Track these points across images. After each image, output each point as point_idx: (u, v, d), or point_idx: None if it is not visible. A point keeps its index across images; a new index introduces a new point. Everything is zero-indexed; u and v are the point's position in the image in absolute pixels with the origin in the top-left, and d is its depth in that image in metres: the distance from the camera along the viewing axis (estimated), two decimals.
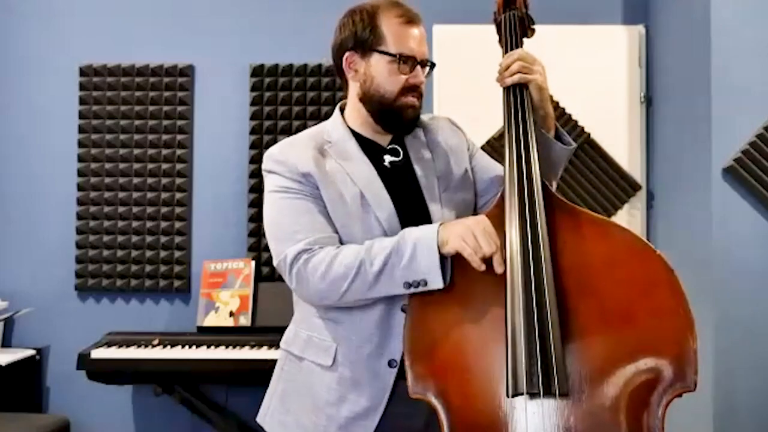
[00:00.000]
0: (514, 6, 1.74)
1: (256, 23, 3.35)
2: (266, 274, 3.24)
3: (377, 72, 1.61)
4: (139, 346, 2.93)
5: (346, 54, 1.64)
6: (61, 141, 3.34)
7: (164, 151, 3.33)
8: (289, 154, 1.61)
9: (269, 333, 2.89)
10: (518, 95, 1.61)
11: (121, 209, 3.32)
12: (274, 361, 1.75)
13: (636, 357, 1.35)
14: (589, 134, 3.23)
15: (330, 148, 1.64)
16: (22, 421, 3.00)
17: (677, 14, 2.98)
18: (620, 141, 3.26)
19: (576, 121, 3.22)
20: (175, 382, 3.01)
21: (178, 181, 3.32)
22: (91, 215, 3.32)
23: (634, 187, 3.25)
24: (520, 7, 1.74)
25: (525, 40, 1.73)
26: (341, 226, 1.58)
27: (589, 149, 3.24)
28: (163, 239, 3.31)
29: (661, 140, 3.16)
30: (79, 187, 3.33)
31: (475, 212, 1.73)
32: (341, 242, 1.57)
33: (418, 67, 1.61)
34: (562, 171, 1.74)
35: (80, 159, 3.33)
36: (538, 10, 1.84)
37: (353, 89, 1.67)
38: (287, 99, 3.32)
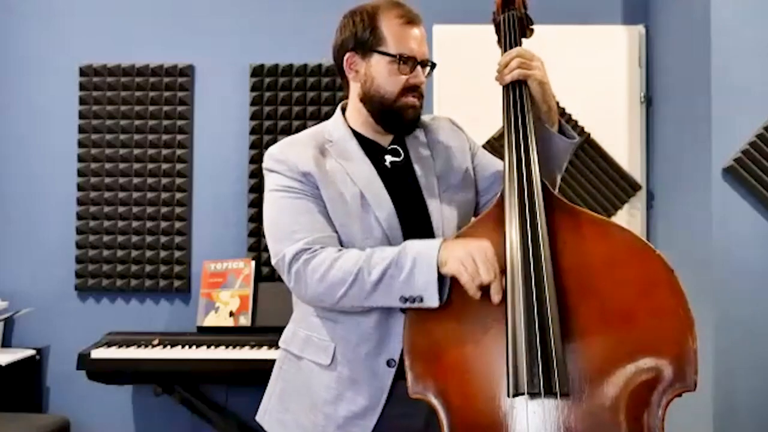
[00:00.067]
0: (513, 6, 1.74)
1: (256, 23, 3.35)
2: (266, 274, 3.24)
3: (377, 72, 1.61)
4: (139, 346, 2.93)
5: (347, 55, 1.64)
6: (61, 141, 3.34)
7: (164, 151, 3.33)
8: (289, 153, 1.62)
9: (269, 333, 2.89)
10: (518, 93, 1.61)
11: (121, 209, 3.32)
12: (274, 361, 1.75)
13: (636, 357, 1.35)
14: (589, 134, 3.23)
15: (331, 148, 1.64)
16: (22, 421, 3.00)
17: (677, 14, 2.98)
18: (620, 141, 3.26)
19: (576, 121, 3.22)
20: (175, 382, 3.02)
21: (178, 181, 3.32)
22: (91, 215, 3.32)
23: (634, 187, 3.25)
24: (519, 7, 1.74)
25: (524, 40, 1.73)
26: (341, 226, 1.58)
27: (589, 149, 3.24)
28: (163, 239, 3.31)
29: (661, 140, 3.16)
30: (79, 187, 3.33)
31: (476, 211, 1.73)
32: (340, 242, 1.57)
33: (419, 67, 1.62)
34: (566, 166, 1.74)
35: (80, 159, 3.33)
36: (538, 10, 1.84)
37: (354, 90, 1.67)
38: (287, 99, 3.32)
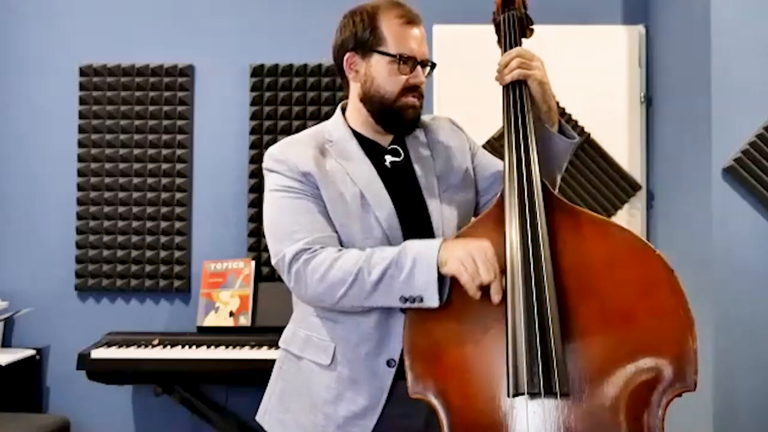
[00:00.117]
0: (513, 6, 1.74)
1: (256, 23, 3.35)
2: (266, 274, 3.24)
3: (377, 72, 1.61)
4: (139, 346, 2.93)
5: (347, 55, 1.64)
6: (61, 141, 3.34)
7: (164, 151, 3.33)
8: (289, 153, 1.62)
9: (269, 333, 2.89)
10: (517, 93, 1.61)
11: (121, 209, 3.32)
12: (274, 361, 1.75)
13: (636, 357, 1.35)
14: (589, 134, 3.23)
15: (331, 148, 1.64)
16: (22, 421, 3.00)
17: (677, 14, 2.98)
18: (620, 141, 3.26)
19: (576, 121, 3.22)
20: (175, 382, 3.02)
21: (178, 181, 3.32)
22: (91, 215, 3.32)
23: (634, 187, 3.25)
24: (519, 7, 1.74)
25: (524, 40, 1.73)
26: (340, 226, 1.58)
27: (589, 149, 3.24)
28: (163, 239, 3.31)
29: (661, 140, 3.16)
30: (79, 187, 3.33)
31: (476, 211, 1.73)
32: (340, 242, 1.57)
33: (419, 67, 1.62)
34: (566, 166, 1.74)
35: (80, 159, 3.33)
36: (538, 10, 1.84)
37: (354, 90, 1.67)
38: (287, 99, 3.32)
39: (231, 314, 3.09)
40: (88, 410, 3.27)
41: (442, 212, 1.63)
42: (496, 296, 1.40)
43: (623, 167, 3.25)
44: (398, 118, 1.63)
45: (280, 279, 1.60)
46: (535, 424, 1.32)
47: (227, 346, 2.91)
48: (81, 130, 3.34)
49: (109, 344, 2.95)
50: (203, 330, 3.10)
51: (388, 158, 1.67)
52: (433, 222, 1.62)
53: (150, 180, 3.32)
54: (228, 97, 3.34)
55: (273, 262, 1.59)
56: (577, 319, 1.38)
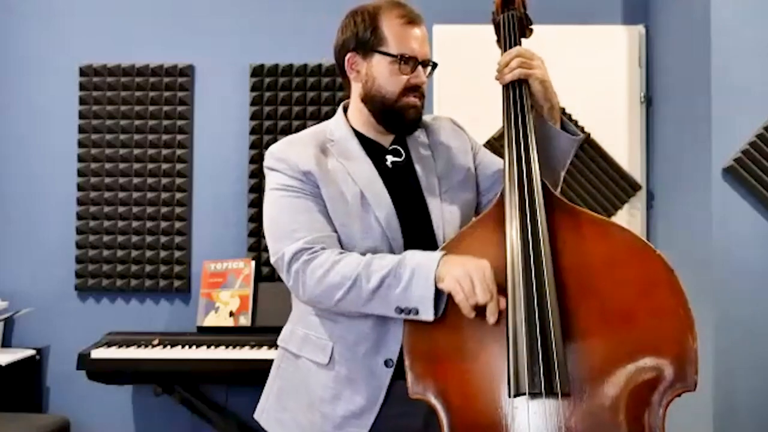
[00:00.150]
0: (513, 6, 1.74)
1: (256, 23, 3.35)
2: (266, 274, 3.24)
3: (378, 72, 1.61)
4: (139, 346, 2.93)
5: (348, 55, 1.65)
6: (61, 141, 3.34)
7: (164, 151, 3.33)
8: (290, 152, 1.62)
9: (269, 333, 2.89)
10: (518, 92, 1.61)
11: (121, 209, 3.32)
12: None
13: (636, 357, 1.35)
14: (589, 134, 3.23)
15: (332, 147, 1.64)
16: (22, 421, 2.99)
17: (677, 14, 2.98)
18: (620, 141, 3.26)
19: (576, 121, 3.22)
20: (175, 382, 3.01)
21: (178, 181, 3.32)
22: (91, 215, 3.32)
23: (634, 187, 3.25)
24: (518, 7, 1.75)
25: (523, 40, 1.73)
26: (340, 225, 1.58)
27: (589, 149, 3.24)
28: (163, 239, 3.31)
29: (661, 140, 3.16)
30: (79, 187, 3.33)
31: (477, 211, 1.73)
32: (340, 241, 1.57)
33: (420, 67, 1.62)
34: (569, 164, 1.74)
35: (80, 159, 3.33)
36: (538, 10, 1.84)
37: (355, 90, 1.67)
38: (287, 99, 3.32)
39: (231, 314, 3.09)
40: (88, 410, 3.27)
41: (442, 212, 1.63)
42: (491, 317, 1.39)
43: (623, 167, 3.25)
44: (399, 118, 1.63)
45: (280, 279, 1.60)
46: (536, 424, 1.32)
47: (227, 346, 2.91)
48: (81, 130, 3.34)
49: (109, 344, 2.95)
50: (203, 330, 3.10)
51: (389, 158, 1.67)
52: (433, 222, 1.62)
53: (150, 180, 3.32)
54: (228, 97, 3.34)
55: (272, 260, 1.59)
56: (577, 319, 1.38)
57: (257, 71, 3.32)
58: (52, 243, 3.33)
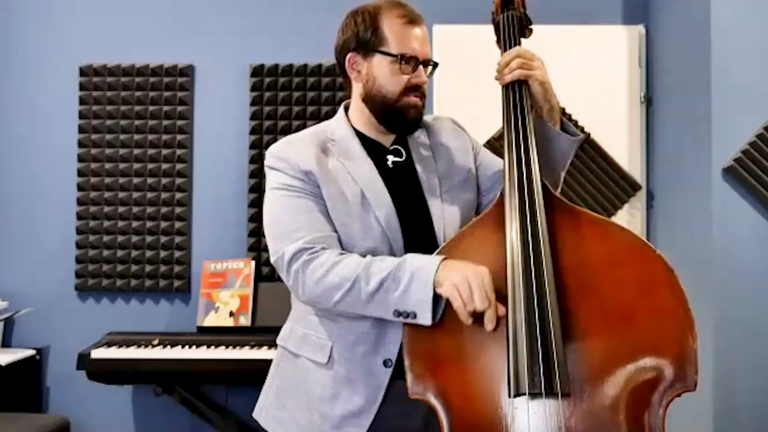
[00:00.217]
0: (512, 6, 1.74)
1: (256, 23, 3.35)
2: (266, 274, 3.24)
3: (379, 72, 1.61)
4: (139, 346, 2.93)
5: (349, 55, 1.65)
6: (61, 141, 3.34)
7: (164, 151, 3.33)
8: (291, 151, 1.62)
9: (269, 333, 2.88)
10: (517, 93, 1.61)
11: (121, 209, 3.32)
12: None
13: (636, 357, 1.35)
14: (589, 134, 3.23)
15: (333, 147, 1.64)
16: (22, 421, 2.99)
17: (677, 14, 2.98)
18: (620, 141, 3.26)
19: (576, 121, 3.22)
20: (175, 382, 3.01)
21: (178, 181, 3.32)
22: (91, 215, 3.32)
23: (634, 187, 3.25)
24: (518, 7, 1.75)
25: (523, 40, 1.73)
26: (340, 225, 1.58)
27: (589, 149, 3.24)
28: (163, 239, 3.31)
29: (661, 140, 3.16)
30: (79, 187, 3.33)
31: (478, 211, 1.73)
32: (340, 241, 1.57)
33: (421, 66, 1.62)
34: (569, 164, 1.74)
35: (80, 159, 3.33)
36: (537, 10, 1.84)
37: (356, 90, 1.67)
38: (287, 99, 3.32)
39: (231, 314, 3.09)
40: (88, 410, 3.27)
41: (443, 213, 1.63)
42: (489, 324, 1.39)
43: (623, 167, 3.25)
44: (400, 117, 1.63)
45: (280, 279, 1.60)
46: (536, 424, 1.32)
47: (227, 346, 2.91)
48: (81, 130, 3.34)
49: (109, 344, 2.95)
50: (203, 330, 3.10)
51: (390, 158, 1.67)
52: (434, 222, 1.62)
53: (150, 180, 3.32)
54: (228, 97, 3.34)
55: (272, 260, 1.59)
56: (577, 319, 1.38)
57: (257, 71, 3.32)
58: (52, 243, 3.33)
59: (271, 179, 1.64)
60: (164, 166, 3.32)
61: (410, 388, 1.43)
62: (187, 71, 3.34)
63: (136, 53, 3.34)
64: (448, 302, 1.42)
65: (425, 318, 1.42)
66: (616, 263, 1.42)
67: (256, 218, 3.25)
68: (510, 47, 1.68)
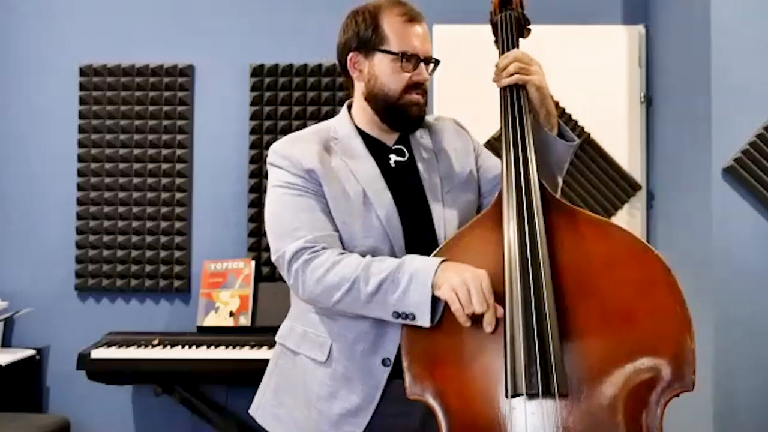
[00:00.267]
0: (511, 6, 1.74)
1: (256, 23, 3.35)
2: (266, 274, 3.24)
3: (381, 71, 1.62)
4: (139, 346, 2.93)
5: (350, 54, 1.65)
6: (61, 141, 3.34)
7: (164, 151, 3.33)
8: (293, 149, 1.62)
9: (269, 333, 2.85)
10: (515, 95, 1.61)
11: (121, 209, 3.32)
12: None
13: (634, 357, 1.34)
14: (589, 134, 3.23)
15: (335, 145, 1.65)
16: (22, 421, 2.99)
17: (677, 14, 2.98)
18: (620, 141, 3.26)
19: (576, 121, 3.22)
20: (175, 382, 3.01)
21: (178, 181, 3.32)
22: (91, 215, 3.32)
23: (634, 187, 3.25)
24: (516, 7, 1.75)
25: (522, 40, 1.73)
26: (342, 224, 1.58)
27: (589, 149, 3.24)
28: (163, 239, 3.31)
29: (661, 140, 3.16)
30: (79, 187, 3.33)
31: (478, 212, 1.73)
32: (341, 240, 1.57)
33: (422, 64, 1.62)
34: (567, 169, 1.74)
35: (80, 159, 3.33)
36: (538, 10, 1.84)
37: (358, 89, 1.68)
38: (287, 99, 3.32)
39: (231, 314, 3.09)
40: (88, 410, 3.27)
41: (444, 213, 1.63)
42: (488, 327, 1.39)
43: (623, 167, 3.25)
44: (403, 115, 1.63)
45: (280, 279, 1.61)
46: (534, 424, 1.32)
47: (227, 346, 2.91)
48: (81, 130, 3.34)
49: (109, 344, 2.95)
50: (203, 330, 3.10)
51: (393, 157, 1.67)
52: (434, 222, 1.62)
53: (150, 180, 3.32)
54: (228, 97, 3.34)
55: (273, 258, 1.59)
56: (575, 319, 1.38)
57: (257, 71, 3.32)
58: (52, 243, 3.33)
59: (273, 177, 1.64)
60: (164, 166, 3.32)
61: (408, 388, 1.43)
62: (187, 71, 3.34)
63: (136, 53, 3.34)
64: (446, 304, 1.42)
65: (424, 320, 1.42)
66: (614, 263, 1.42)
67: (256, 218, 3.25)
68: (508, 48, 1.68)
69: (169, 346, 2.93)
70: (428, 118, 1.74)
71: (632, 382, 1.33)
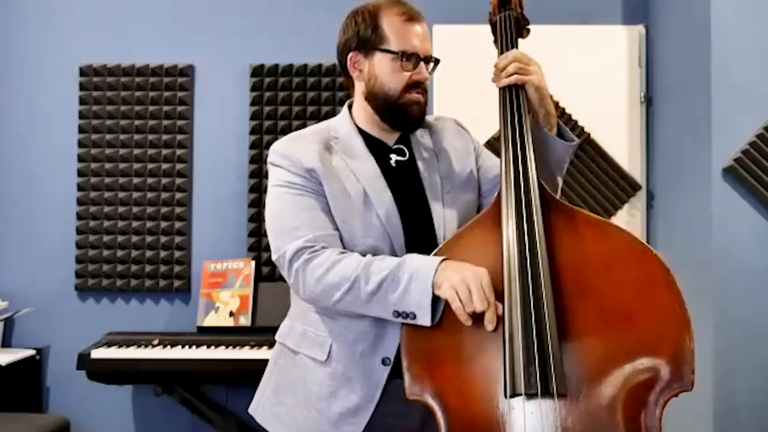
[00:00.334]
0: (510, 6, 1.74)
1: (256, 23, 3.35)
2: (266, 274, 3.24)
3: (380, 70, 1.62)
4: (139, 346, 2.93)
5: (350, 54, 1.65)
6: (61, 141, 3.34)
7: (164, 151, 3.33)
8: (294, 148, 1.62)
9: (269, 333, 2.85)
10: (514, 95, 1.61)
11: (121, 209, 3.32)
12: None
13: (633, 357, 1.34)
14: (589, 134, 3.23)
15: (336, 144, 1.65)
16: (22, 421, 3.00)
17: (677, 14, 2.98)
18: (620, 141, 3.25)
19: (576, 121, 3.22)
20: (175, 382, 3.01)
21: (178, 181, 3.32)
22: (91, 215, 3.32)
23: (634, 187, 3.25)
24: (515, 7, 1.75)
25: (521, 40, 1.73)
26: (342, 223, 1.58)
27: (589, 149, 3.24)
28: (163, 239, 3.31)
29: (661, 140, 3.16)
30: (79, 187, 3.33)
31: (478, 213, 1.73)
32: (341, 239, 1.58)
33: (422, 63, 1.62)
34: (566, 169, 1.74)
35: (80, 159, 3.33)
36: (538, 10, 1.84)
37: (359, 89, 1.68)
38: (287, 99, 3.32)
39: (231, 314, 3.09)
40: (88, 410, 3.27)
41: (444, 212, 1.63)
42: (489, 325, 1.39)
43: (623, 167, 3.24)
44: (403, 114, 1.64)
45: (280, 279, 1.61)
46: (533, 424, 1.32)
47: (227, 346, 2.91)
48: (81, 130, 3.34)
49: (109, 344, 2.95)
50: (203, 330, 3.10)
51: (393, 157, 1.67)
52: (434, 222, 1.62)
53: (150, 180, 3.32)
54: (228, 97, 3.34)
55: (273, 257, 1.60)
56: (574, 318, 1.37)
57: (257, 71, 3.32)
58: (52, 243, 3.33)
59: (274, 176, 1.64)
60: (164, 166, 3.32)
61: (408, 388, 1.43)
62: (187, 71, 3.34)
63: (136, 53, 3.34)
64: (447, 303, 1.42)
65: (424, 319, 1.42)
66: (613, 263, 1.42)
67: (256, 218, 3.25)
68: (507, 48, 1.68)
69: (169, 346, 2.93)
70: (429, 117, 1.75)
71: (631, 382, 1.33)
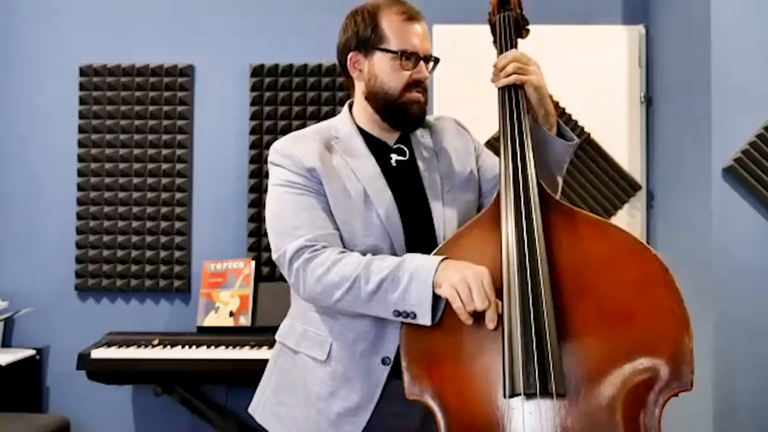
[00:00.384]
0: (509, 7, 1.74)
1: (256, 23, 3.35)
2: (266, 274, 3.24)
3: (380, 70, 1.62)
4: (139, 346, 2.93)
5: (350, 54, 1.66)
6: (61, 141, 3.34)
7: (164, 151, 3.33)
8: (294, 148, 1.62)
9: (269, 333, 2.85)
10: (513, 95, 1.62)
11: (121, 209, 3.32)
12: None
13: (632, 357, 1.34)
14: (589, 134, 3.23)
15: (337, 144, 1.65)
16: (22, 421, 3.00)
17: (677, 14, 2.98)
18: (620, 141, 3.25)
19: (576, 121, 3.22)
20: (175, 382, 3.02)
21: (178, 181, 3.32)
22: (91, 215, 3.32)
23: (634, 187, 3.25)
24: (514, 7, 1.75)
25: (521, 40, 1.73)
26: (342, 222, 1.58)
27: (589, 149, 3.24)
28: (163, 239, 3.31)
29: (661, 140, 3.16)
30: (79, 187, 3.33)
31: (478, 212, 1.73)
32: (342, 239, 1.58)
33: (422, 62, 1.62)
34: (566, 168, 1.74)
35: (80, 159, 3.33)
36: (538, 10, 1.84)
37: (359, 88, 1.68)
38: (287, 99, 3.32)
39: (231, 314, 3.09)
40: (88, 410, 3.27)
41: (444, 212, 1.63)
42: (490, 324, 1.39)
43: (623, 167, 3.24)
44: (403, 114, 1.64)
45: (280, 279, 1.61)
46: (532, 424, 1.32)
47: (227, 346, 2.91)
48: (81, 130, 3.34)
49: (109, 344, 2.95)
50: (203, 330, 3.10)
51: (394, 157, 1.67)
52: (434, 221, 1.62)
53: (150, 180, 3.32)
54: (228, 97, 3.34)
55: (274, 257, 1.60)
56: (573, 318, 1.37)
57: (257, 71, 3.32)
58: (52, 243, 3.33)
59: (275, 175, 1.64)
60: (164, 166, 3.32)
61: (407, 389, 1.43)
62: (187, 71, 3.34)
63: (136, 53, 3.34)
64: (447, 303, 1.42)
65: (425, 318, 1.42)
66: (612, 263, 1.42)
67: (256, 218, 3.25)
68: (507, 48, 1.68)
69: (169, 346, 2.93)
70: (429, 117, 1.75)
71: (630, 382, 1.33)
